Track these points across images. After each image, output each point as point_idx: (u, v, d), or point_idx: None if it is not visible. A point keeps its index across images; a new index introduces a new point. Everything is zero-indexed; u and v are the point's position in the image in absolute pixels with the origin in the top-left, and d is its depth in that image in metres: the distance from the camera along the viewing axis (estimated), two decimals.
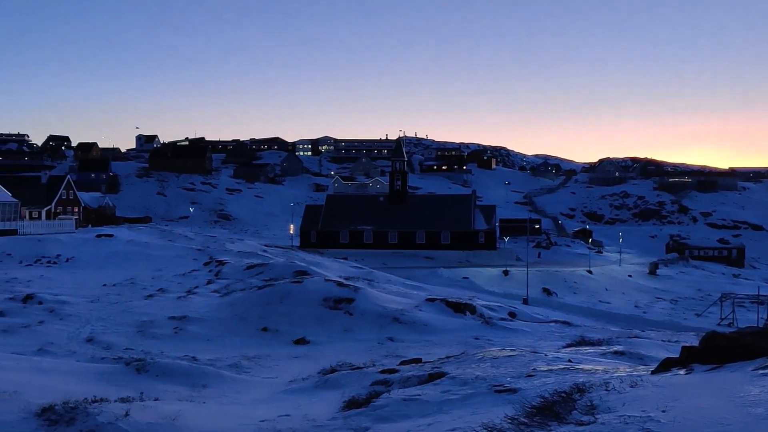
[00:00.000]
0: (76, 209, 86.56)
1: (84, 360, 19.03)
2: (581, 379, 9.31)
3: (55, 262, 46.49)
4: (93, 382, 14.20)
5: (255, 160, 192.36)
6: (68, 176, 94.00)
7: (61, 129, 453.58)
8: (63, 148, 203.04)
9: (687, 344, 10.87)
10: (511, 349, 15.30)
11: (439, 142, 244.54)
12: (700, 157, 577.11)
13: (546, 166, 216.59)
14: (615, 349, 15.97)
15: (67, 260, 47.04)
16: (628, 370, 10.84)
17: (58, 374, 14.64)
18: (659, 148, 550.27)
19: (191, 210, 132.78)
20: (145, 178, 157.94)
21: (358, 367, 15.91)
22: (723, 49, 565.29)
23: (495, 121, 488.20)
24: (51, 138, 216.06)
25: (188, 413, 10.15)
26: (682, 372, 8.78)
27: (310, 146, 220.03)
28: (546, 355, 13.90)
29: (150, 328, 25.55)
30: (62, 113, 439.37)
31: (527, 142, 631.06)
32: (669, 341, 19.92)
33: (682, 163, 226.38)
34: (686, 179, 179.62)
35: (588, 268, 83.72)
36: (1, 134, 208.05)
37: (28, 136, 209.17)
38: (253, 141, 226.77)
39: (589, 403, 7.26)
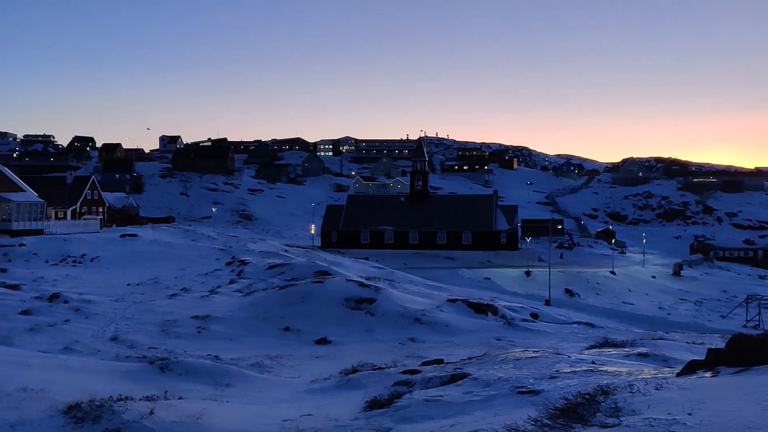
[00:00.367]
0: (100, 209, 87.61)
1: (109, 358, 19.27)
2: (605, 381, 9.24)
3: (80, 262, 47.11)
4: (118, 381, 14.36)
5: (276, 161, 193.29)
6: (93, 177, 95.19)
7: (86, 130, 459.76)
8: (88, 149, 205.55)
9: (713, 346, 10.75)
10: (533, 351, 15.23)
11: (460, 142, 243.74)
12: (725, 156, 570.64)
13: (568, 166, 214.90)
14: (639, 350, 15.83)
15: (92, 260, 47.64)
16: (652, 372, 10.74)
17: (84, 372, 14.83)
18: (683, 148, 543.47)
19: (213, 210, 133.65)
20: (168, 179, 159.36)
21: (379, 368, 15.92)
22: (748, 47, 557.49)
23: (517, 120, 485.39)
24: (76, 139, 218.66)
25: (212, 412, 10.23)
26: (708, 374, 8.69)
27: (331, 146, 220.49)
28: (569, 356, 13.81)
29: (173, 327, 25.79)
30: (87, 114, 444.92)
31: (549, 142, 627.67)
32: (694, 343, 19.69)
33: (707, 163, 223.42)
34: (711, 179, 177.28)
35: (611, 269, 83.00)
36: (28, 135, 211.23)
37: (53, 137, 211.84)
38: (274, 141, 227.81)
39: (613, 406, 7.20)
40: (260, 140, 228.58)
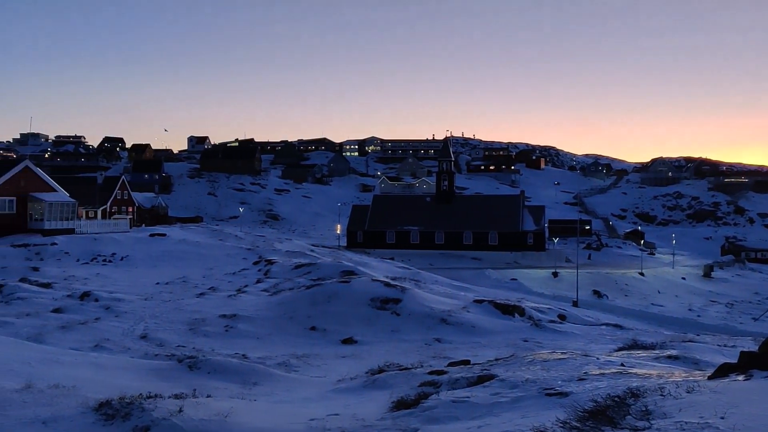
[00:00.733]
0: (130, 209, 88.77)
1: (138, 356, 19.51)
2: (635, 384, 9.13)
3: (110, 261, 47.75)
4: (147, 378, 14.53)
5: (303, 161, 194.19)
6: (123, 177, 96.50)
7: (116, 131, 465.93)
8: (117, 149, 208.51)
9: (745, 349, 10.56)
10: (561, 352, 15.10)
11: (486, 142, 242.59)
12: (757, 156, 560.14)
13: (596, 166, 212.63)
14: (669, 353, 15.60)
15: (122, 259, 48.26)
16: (683, 375, 10.58)
17: (114, 370, 15.04)
18: (714, 148, 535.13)
19: (241, 210, 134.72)
20: (196, 179, 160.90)
21: (406, 368, 15.90)
22: None
23: (544, 120, 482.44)
24: (106, 140, 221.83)
25: (240, 411, 10.29)
26: (740, 378, 8.54)
27: (356, 147, 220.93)
28: (597, 358, 13.67)
29: (201, 325, 26.01)
30: (117, 115, 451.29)
31: (577, 142, 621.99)
32: (725, 346, 19.38)
33: (738, 163, 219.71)
34: (742, 179, 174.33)
35: (640, 270, 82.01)
36: (59, 136, 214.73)
37: (84, 138, 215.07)
38: (300, 142, 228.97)
39: (643, 409, 7.11)
40: (287, 141, 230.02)
